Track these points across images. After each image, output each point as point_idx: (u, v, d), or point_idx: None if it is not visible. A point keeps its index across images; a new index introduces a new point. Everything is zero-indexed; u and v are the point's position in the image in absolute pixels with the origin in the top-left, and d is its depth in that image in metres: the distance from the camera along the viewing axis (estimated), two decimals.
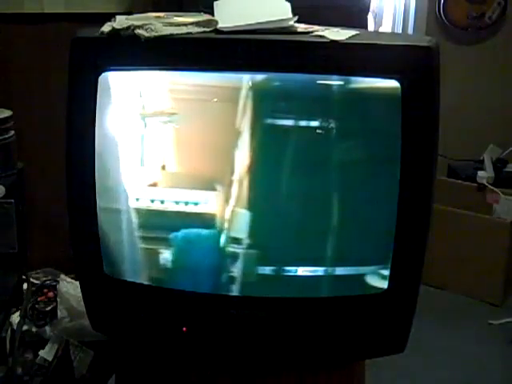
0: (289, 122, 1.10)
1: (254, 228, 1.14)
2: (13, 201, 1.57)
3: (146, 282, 1.19)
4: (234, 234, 1.14)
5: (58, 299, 1.56)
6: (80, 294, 1.26)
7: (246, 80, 1.08)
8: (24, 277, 1.68)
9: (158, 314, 1.20)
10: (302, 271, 1.17)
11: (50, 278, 1.69)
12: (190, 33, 1.08)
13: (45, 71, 2.17)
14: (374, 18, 3.22)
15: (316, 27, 1.11)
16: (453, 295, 2.73)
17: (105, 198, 1.15)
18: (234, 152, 1.10)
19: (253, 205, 1.13)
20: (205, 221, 1.14)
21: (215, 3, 1.17)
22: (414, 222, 1.10)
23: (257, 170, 1.12)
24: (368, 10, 2.20)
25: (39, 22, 2.14)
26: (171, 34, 1.06)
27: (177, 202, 1.15)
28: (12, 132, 1.69)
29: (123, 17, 1.11)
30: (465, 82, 3.21)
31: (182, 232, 1.16)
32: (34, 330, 1.55)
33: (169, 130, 1.12)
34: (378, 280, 1.14)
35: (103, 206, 1.15)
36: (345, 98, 1.11)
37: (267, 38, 1.07)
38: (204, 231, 1.15)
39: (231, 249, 1.14)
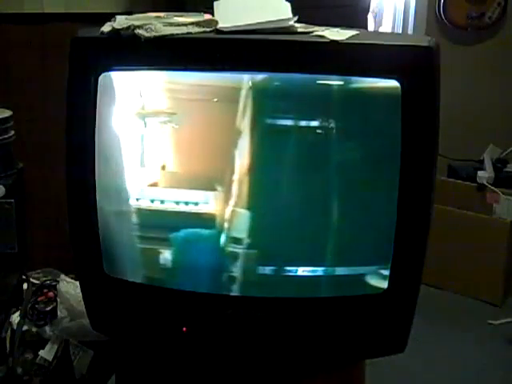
0: (289, 122, 1.10)
1: (254, 228, 1.14)
2: (13, 201, 1.57)
3: (146, 282, 1.19)
4: (234, 234, 1.14)
5: (58, 299, 1.56)
6: (80, 294, 1.26)
7: (246, 80, 1.08)
8: (24, 277, 1.68)
9: (158, 314, 1.20)
10: (302, 271, 1.17)
11: (50, 278, 1.69)
12: (190, 33, 1.08)
13: (45, 71, 2.17)
14: (374, 18, 3.22)
15: (316, 27, 1.11)
16: (453, 295, 2.73)
17: (105, 198, 1.15)
18: (234, 152, 1.10)
19: (253, 205, 1.13)
20: (205, 221, 1.14)
21: (215, 3, 1.17)
22: (414, 222, 1.10)
23: (257, 169, 1.12)
24: (368, 10, 2.20)
25: (39, 22, 2.14)
26: (171, 34, 1.06)
27: (177, 202, 1.15)
28: (12, 132, 1.69)
29: (123, 17, 1.11)
30: (465, 82, 3.21)
31: (182, 232, 1.16)
32: (34, 330, 1.56)
33: (169, 130, 1.12)
34: (378, 280, 1.14)
35: (103, 206, 1.15)
36: (345, 98, 1.11)
37: (267, 38, 1.07)
38: (204, 231, 1.15)
39: (231, 249, 1.14)
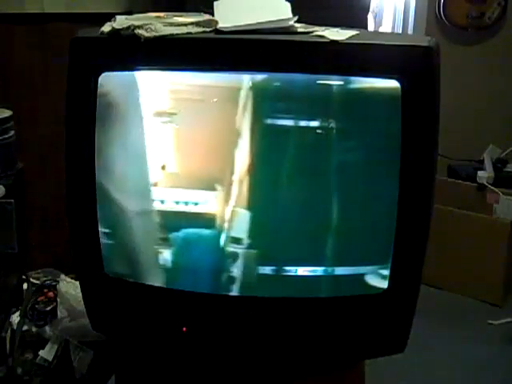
0: (289, 122, 1.10)
1: (254, 228, 1.14)
2: (13, 201, 1.57)
3: (146, 282, 1.19)
4: (234, 234, 1.14)
5: (58, 299, 1.56)
6: (80, 294, 1.26)
7: (246, 80, 1.08)
8: (24, 277, 1.68)
9: (158, 314, 1.20)
10: (302, 271, 1.17)
11: (50, 278, 1.69)
12: (190, 33, 1.08)
13: (45, 71, 2.17)
14: (374, 18, 3.21)
15: (316, 27, 1.11)
16: (453, 295, 2.73)
17: (104, 199, 1.15)
18: (234, 152, 1.10)
19: (253, 205, 1.13)
20: (205, 221, 1.14)
21: (215, 3, 1.17)
22: (414, 222, 1.10)
23: (257, 170, 1.12)
24: (368, 10, 2.21)
25: (39, 22, 2.14)
26: (171, 34, 1.06)
27: (177, 202, 1.15)
28: (12, 132, 1.69)
29: (123, 17, 1.11)
30: (465, 82, 3.21)
31: (182, 232, 1.16)
32: (33, 329, 1.56)
33: (169, 129, 1.12)
34: (378, 280, 1.14)
35: (103, 206, 1.15)
36: (345, 98, 1.11)
37: (267, 37, 1.07)
38: (204, 231, 1.15)
39: (231, 249, 1.14)
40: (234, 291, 1.17)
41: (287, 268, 1.17)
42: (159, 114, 1.12)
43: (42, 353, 1.52)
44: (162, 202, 1.15)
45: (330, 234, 1.16)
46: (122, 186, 1.16)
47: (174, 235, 1.16)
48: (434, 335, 2.34)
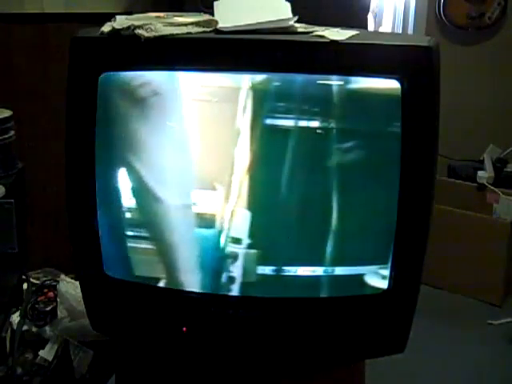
0: (289, 123, 1.10)
1: (254, 228, 1.14)
2: (13, 201, 1.56)
3: (145, 282, 1.19)
4: (234, 234, 1.14)
5: (58, 299, 1.56)
6: (80, 294, 1.26)
7: (245, 80, 1.08)
8: (24, 277, 1.68)
9: (158, 314, 1.20)
10: (302, 271, 1.17)
11: (49, 278, 1.69)
12: (190, 33, 1.08)
13: (45, 71, 2.17)
14: (374, 18, 3.22)
15: (316, 27, 1.11)
16: (453, 295, 2.73)
17: (104, 198, 1.15)
18: (234, 152, 1.10)
19: (253, 205, 1.13)
20: (205, 221, 1.14)
21: (215, 3, 1.17)
22: (415, 222, 1.10)
23: (257, 169, 1.12)
24: (368, 10, 2.20)
25: (39, 21, 2.14)
26: (171, 34, 1.06)
27: None
28: (12, 132, 1.69)
29: (123, 17, 1.11)
30: (465, 82, 3.21)
31: (182, 232, 1.16)
32: (34, 329, 1.56)
33: (168, 130, 1.12)
34: (377, 280, 1.14)
35: (103, 206, 1.15)
36: (345, 98, 1.11)
37: (267, 37, 1.07)
38: (204, 231, 1.15)
39: (231, 249, 1.14)
40: (234, 291, 1.17)
41: (287, 268, 1.17)
42: (159, 114, 1.12)
43: (41, 353, 1.52)
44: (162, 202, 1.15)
45: (329, 233, 1.16)
46: (121, 185, 1.16)
47: (173, 235, 1.16)
48: (433, 335, 2.35)
